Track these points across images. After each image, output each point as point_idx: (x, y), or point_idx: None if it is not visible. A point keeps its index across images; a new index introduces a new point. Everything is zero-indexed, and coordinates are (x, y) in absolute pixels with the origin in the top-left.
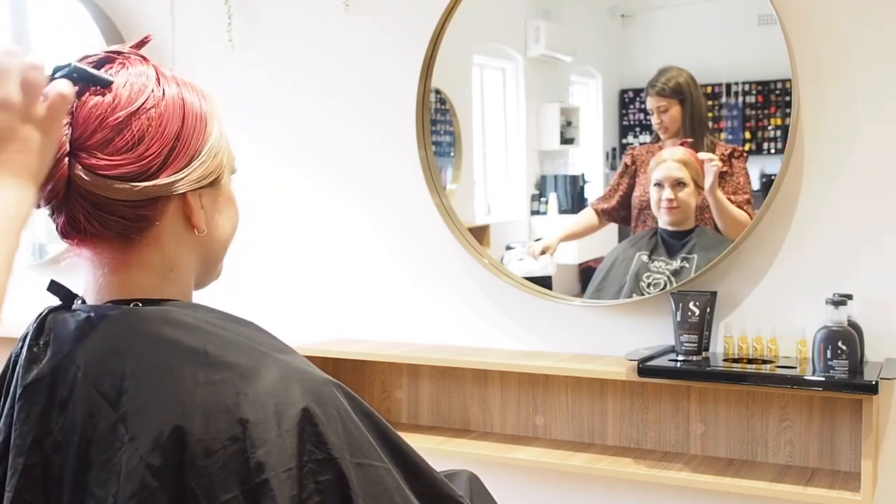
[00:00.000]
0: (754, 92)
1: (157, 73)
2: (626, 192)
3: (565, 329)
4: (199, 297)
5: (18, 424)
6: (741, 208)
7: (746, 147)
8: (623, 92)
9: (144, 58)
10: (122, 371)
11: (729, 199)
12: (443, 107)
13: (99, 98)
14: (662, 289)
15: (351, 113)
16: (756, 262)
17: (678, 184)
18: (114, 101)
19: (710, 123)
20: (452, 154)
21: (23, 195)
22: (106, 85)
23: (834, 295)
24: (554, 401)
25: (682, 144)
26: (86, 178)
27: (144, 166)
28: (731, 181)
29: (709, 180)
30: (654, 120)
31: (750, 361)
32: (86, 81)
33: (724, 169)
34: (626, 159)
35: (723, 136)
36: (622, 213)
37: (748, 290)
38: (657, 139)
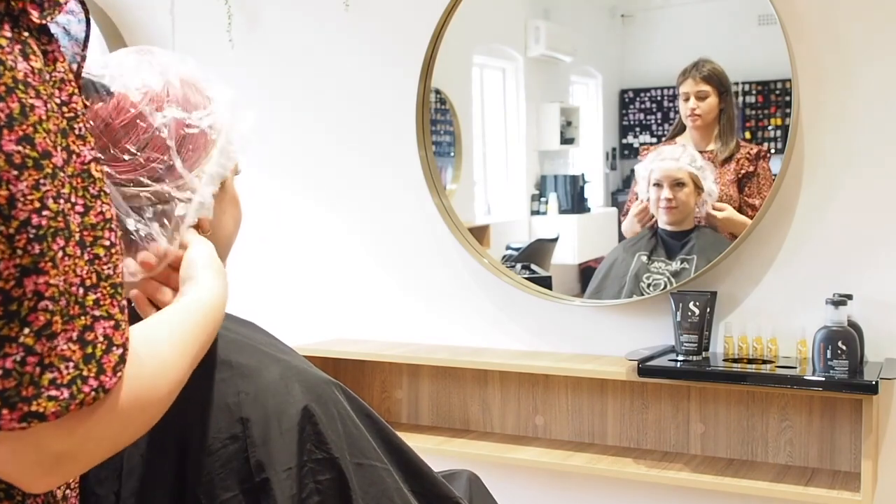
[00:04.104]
0: (754, 92)
1: None
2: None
3: (565, 329)
4: None
5: None
6: (755, 210)
7: (767, 147)
8: (623, 92)
9: None
10: None
11: (745, 199)
12: (443, 107)
13: (101, 104)
14: (662, 289)
15: (351, 113)
16: (756, 262)
17: (677, 184)
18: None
19: (739, 125)
20: (452, 154)
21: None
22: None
23: (834, 295)
24: (554, 401)
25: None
26: None
27: (151, 171)
28: (754, 182)
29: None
30: (686, 106)
31: (750, 361)
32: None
33: (750, 170)
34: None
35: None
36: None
37: (748, 290)
38: (680, 131)
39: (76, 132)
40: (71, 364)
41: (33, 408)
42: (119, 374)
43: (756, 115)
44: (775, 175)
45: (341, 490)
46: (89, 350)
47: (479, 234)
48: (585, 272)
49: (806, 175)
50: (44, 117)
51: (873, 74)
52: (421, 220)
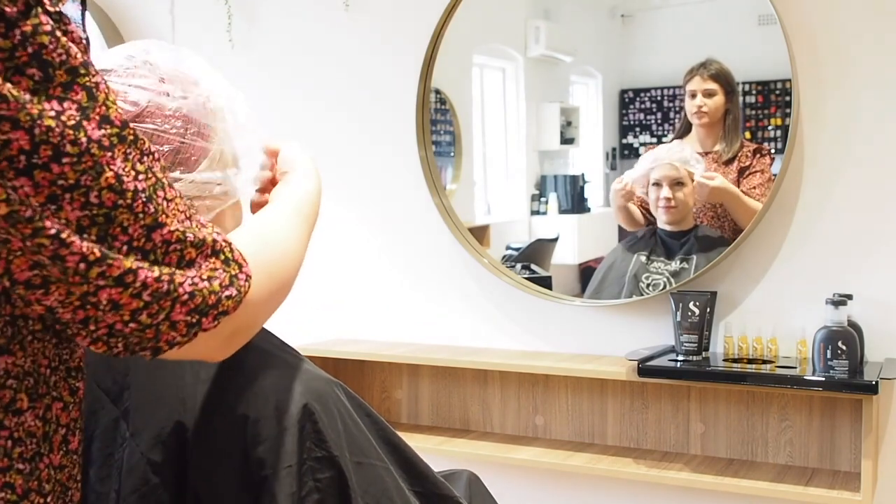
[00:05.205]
0: (754, 92)
1: None
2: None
3: (565, 329)
4: None
5: None
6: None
7: (768, 147)
8: (623, 92)
9: None
10: (124, 367)
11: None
12: (443, 107)
13: None
14: (662, 289)
15: (351, 113)
16: (756, 262)
17: (676, 183)
18: None
19: (742, 126)
20: (452, 154)
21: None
22: None
23: (834, 295)
24: (554, 401)
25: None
26: None
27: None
28: (746, 175)
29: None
30: (693, 103)
31: (750, 361)
32: None
33: (746, 164)
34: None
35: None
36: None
37: (748, 290)
38: (686, 130)
39: None
40: (221, 270)
41: (220, 309)
42: (248, 262)
43: (756, 115)
44: (775, 174)
45: (341, 488)
46: (223, 256)
47: (479, 234)
48: (585, 272)
49: (806, 175)
50: (106, 90)
51: (873, 74)
52: (421, 220)
